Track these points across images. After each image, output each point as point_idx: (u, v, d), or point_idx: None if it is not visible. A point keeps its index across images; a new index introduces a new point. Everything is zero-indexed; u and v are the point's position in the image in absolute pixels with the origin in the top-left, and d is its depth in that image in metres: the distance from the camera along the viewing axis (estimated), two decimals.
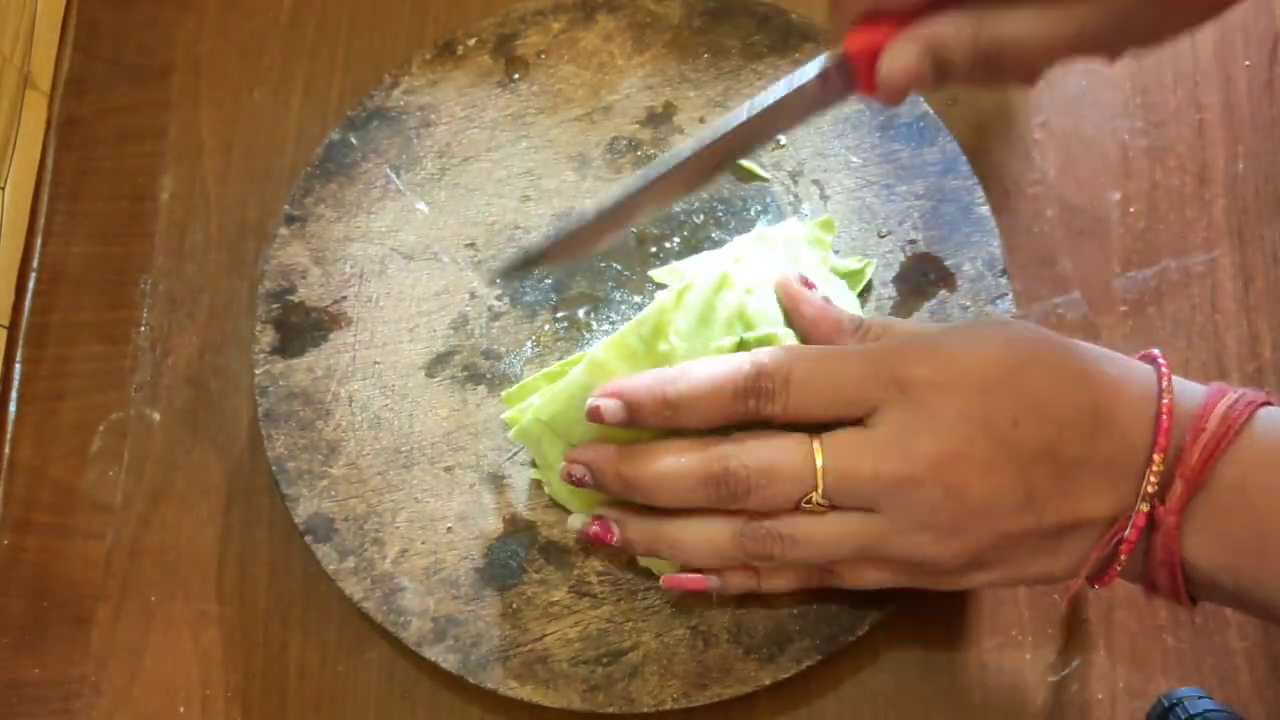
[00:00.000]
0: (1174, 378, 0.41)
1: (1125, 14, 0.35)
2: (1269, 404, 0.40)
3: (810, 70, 0.40)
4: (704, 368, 0.43)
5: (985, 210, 0.53)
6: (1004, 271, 0.52)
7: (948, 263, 0.53)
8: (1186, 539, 0.39)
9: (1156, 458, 0.39)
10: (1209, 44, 0.58)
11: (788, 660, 0.47)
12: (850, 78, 0.39)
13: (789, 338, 0.46)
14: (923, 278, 0.52)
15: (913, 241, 0.53)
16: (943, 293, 0.52)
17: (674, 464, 0.43)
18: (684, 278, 0.49)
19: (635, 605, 0.48)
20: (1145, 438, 0.40)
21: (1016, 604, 0.50)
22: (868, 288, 0.52)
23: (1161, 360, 0.41)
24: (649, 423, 0.43)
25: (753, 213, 0.54)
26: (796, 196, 0.54)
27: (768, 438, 0.42)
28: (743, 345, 0.45)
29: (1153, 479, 0.39)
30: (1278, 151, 0.56)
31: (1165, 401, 0.40)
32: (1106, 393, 0.40)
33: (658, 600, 0.48)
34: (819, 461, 0.41)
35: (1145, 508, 0.39)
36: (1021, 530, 0.40)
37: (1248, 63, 0.58)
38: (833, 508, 0.42)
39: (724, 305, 0.46)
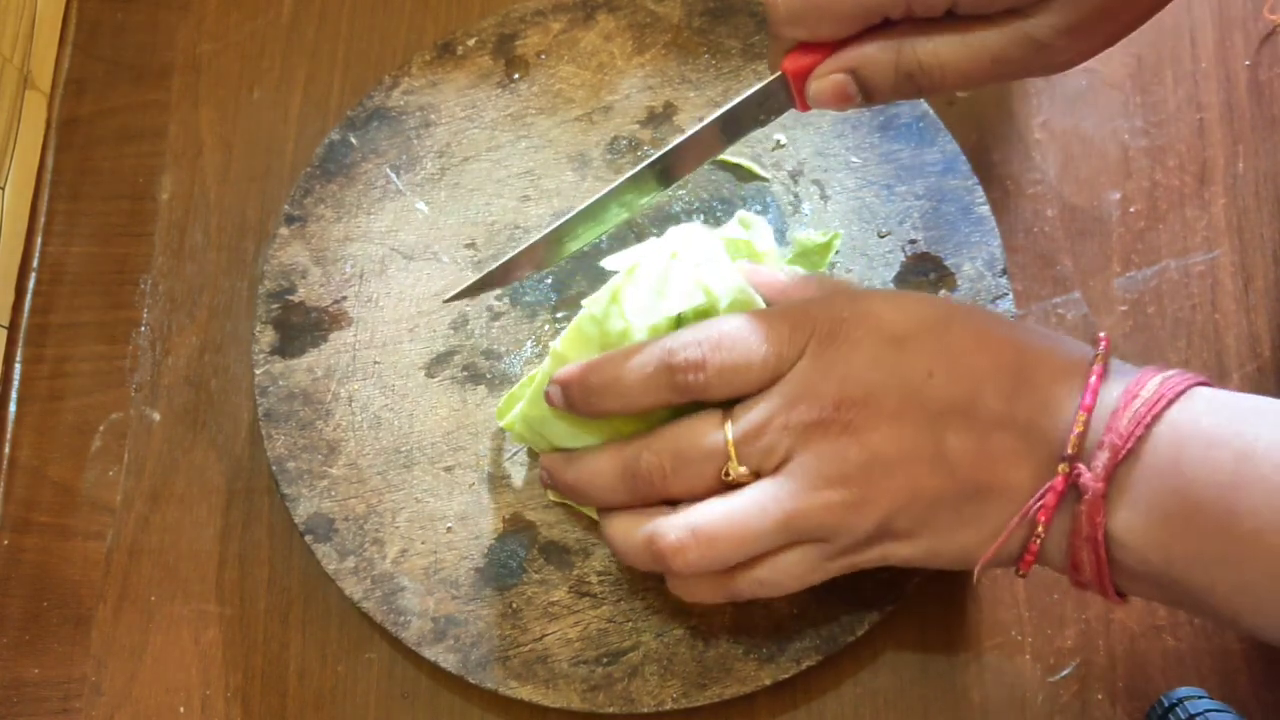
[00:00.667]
0: (1115, 359, 0.40)
1: (1036, 44, 0.38)
2: (1206, 384, 0.39)
3: (753, 88, 0.43)
4: (627, 351, 0.43)
5: (985, 210, 0.53)
6: (1004, 271, 0.52)
7: (948, 262, 0.53)
8: (1114, 513, 0.38)
9: (1080, 417, 0.38)
10: (1209, 43, 0.58)
11: (788, 660, 0.47)
12: (789, 95, 0.43)
13: (743, 304, 0.45)
14: (923, 278, 0.52)
15: (913, 241, 0.53)
16: (943, 292, 0.52)
17: (593, 464, 0.44)
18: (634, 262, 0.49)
19: (635, 605, 0.48)
20: (1070, 401, 0.39)
21: (1016, 604, 0.50)
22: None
23: (1103, 338, 0.41)
24: (585, 408, 0.43)
25: (752, 213, 0.54)
26: (796, 196, 0.54)
27: (681, 422, 0.43)
28: (681, 322, 0.44)
29: (1074, 439, 0.38)
30: (1278, 151, 0.56)
31: (1097, 367, 0.39)
32: (1032, 355, 0.40)
33: (658, 600, 0.48)
34: (729, 431, 0.41)
35: (1064, 468, 0.38)
36: (935, 489, 0.39)
37: (1248, 62, 0.58)
38: (757, 475, 0.41)
39: (677, 277, 0.45)
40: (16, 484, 0.55)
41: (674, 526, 0.41)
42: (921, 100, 0.55)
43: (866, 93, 0.41)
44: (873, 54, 0.40)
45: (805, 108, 0.43)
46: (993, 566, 0.41)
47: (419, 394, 0.52)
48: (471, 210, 0.55)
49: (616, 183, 0.47)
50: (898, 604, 0.47)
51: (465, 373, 0.53)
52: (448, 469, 0.51)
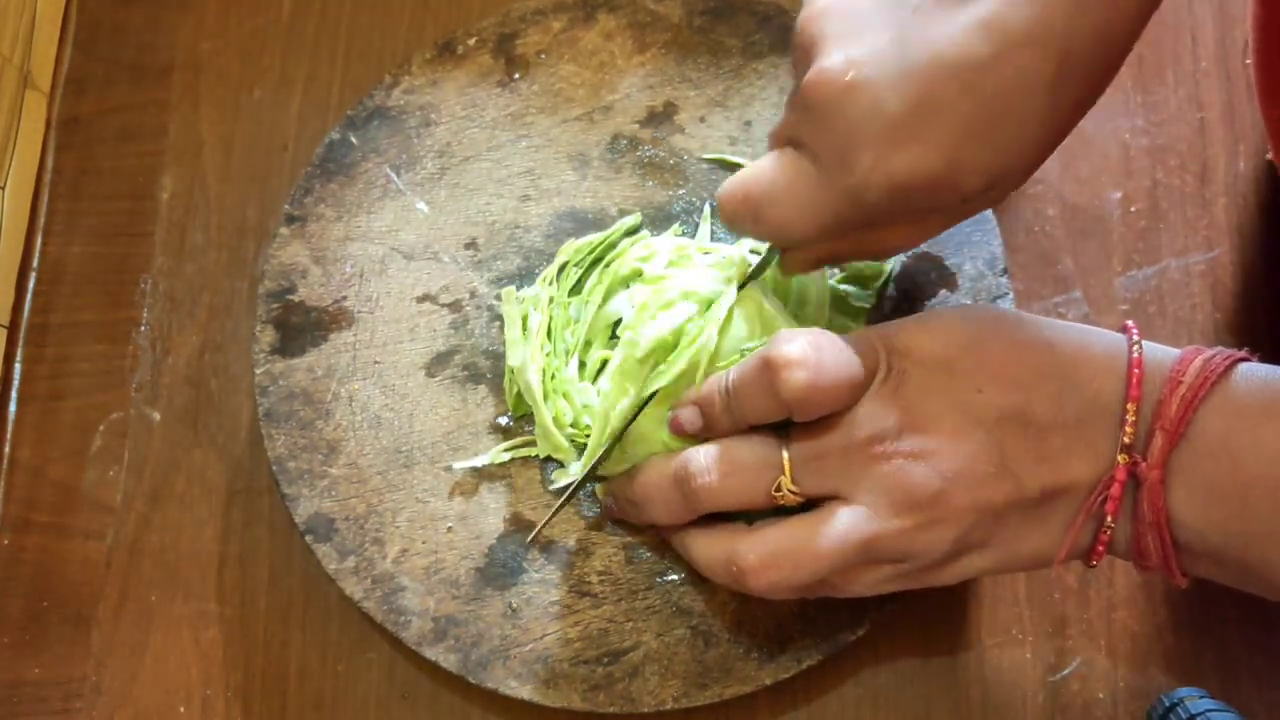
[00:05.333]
0: (1146, 342, 0.41)
1: (961, 215, 0.44)
2: (1246, 359, 0.40)
3: (760, 262, 0.47)
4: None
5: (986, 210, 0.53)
6: (1005, 271, 0.52)
7: (948, 262, 0.53)
8: (1172, 495, 0.39)
9: (1129, 408, 0.39)
10: (1210, 43, 0.58)
11: (788, 660, 0.47)
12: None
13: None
14: (924, 277, 0.52)
15: None
16: (943, 292, 0.52)
17: (649, 473, 0.45)
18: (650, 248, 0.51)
19: (636, 605, 0.48)
20: (1117, 394, 0.40)
21: (1017, 603, 0.50)
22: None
23: (1132, 327, 0.41)
24: (719, 421, 0.44)
25: None
26: None
27: (737, 436, 0.44)
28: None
29: (1128, 429, 0.39)
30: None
31: (1135, 355, 0.40)
32: (1070, 354, 0.41)
33: (658, 600, 0.48)
34: (785, 452, 0.42)
35: (1124, 459, 0.39)
36: (1003, 500, 0.40)
37: (1248, 61, 0.58)
38: (805, 496, 0.42)
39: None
40: (16, 484, 0.55)
41: (754, 549, 0.42)
42: None
43: (835, 264, 0.49)
44: (839, 249, 0.45)
45: (788, 273, 0.47)
46: (1066, 562, 0.42)
47: (419, 394, 0.52)
48: (472, 210, 0.55)
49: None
50: (898, 603, 0.47)
51: (465, 372, 0.53)
52: (448, 469, 0.51)
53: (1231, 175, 0.56)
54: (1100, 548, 0.41)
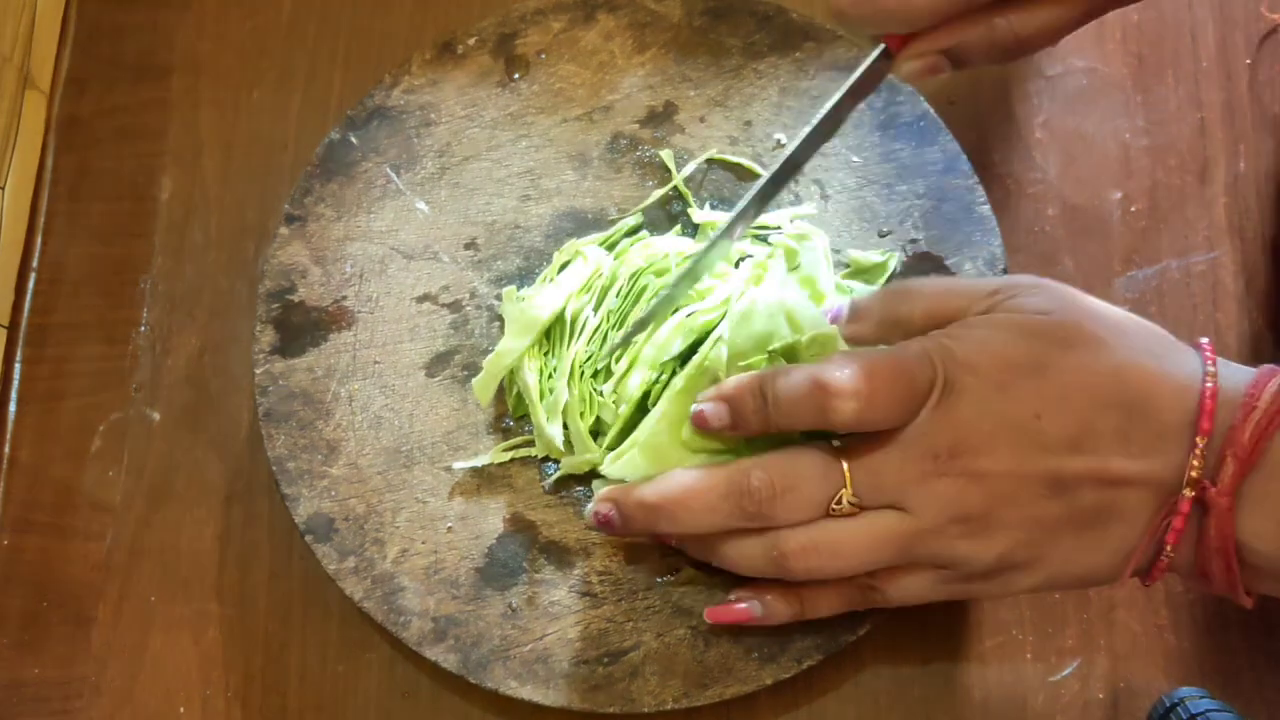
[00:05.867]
0: (1221, 359, 0.40)
1: None
2: None
3: (860, 69, 0.45)
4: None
5: (986, 209, 0.53)
6: (1005, 270, 0.52)
7: (949, 262, 0.53)
8: (1241, 521, 0.39)
9: (1199, 441, 0.38)
10: (1210, 43, 0.58)
11: (789, 660, 0.47)
12: (886, 65, 0.45)
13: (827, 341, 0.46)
14: (924, 277, 0.52)
15: (914, 241, 0.53)
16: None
17: (691, 482, 0.43)
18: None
19: (636, 605, 0.48)
20: (1186, 425, 0.39)
21: (1018, 603, 0.50)
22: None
23: (1207, 346, 0.41)
24: (749, 422, 0.44)
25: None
26: (797, 196, 0.54)
27: (795, 449, 0.43)
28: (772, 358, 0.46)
29: (1196, 463, 0.38)
30: (1279, 150, 0.56)
31: (1209, 385, 0.39)
32: (1138, 383, 0.40)
33: (658, 600, 0.48)
34: (845, 464, 0.42)
35: (1190, 493, 0.39)
36: (1054, 521, 0.40)
37: (1249, 61, 0.58)
38: (862, 509, 0.42)
39: (762, 311, 0.47)
40: (16, 484, 0.55)
41: (795, 536, 0.42)
42: (922, 100, 0.55)
43: (957, 64, 0.44)
44: (967, 34, 0.43)
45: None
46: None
47: (419, 394, 0.52)
48: (472, 210, 0.55)
49: (756, 187, 0.47)
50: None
51: (465, 372, 0.53)
52: (448, 469, 0.51)
53: (1231, 175, 0.56)
54: (1157, 572, 0.41)
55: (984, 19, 0.42)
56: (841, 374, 0.41)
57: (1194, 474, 0.39)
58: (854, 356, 0.42)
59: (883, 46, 0.44)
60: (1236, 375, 0.40)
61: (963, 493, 0.40)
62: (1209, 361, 0.40)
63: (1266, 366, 0.40)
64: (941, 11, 0.41)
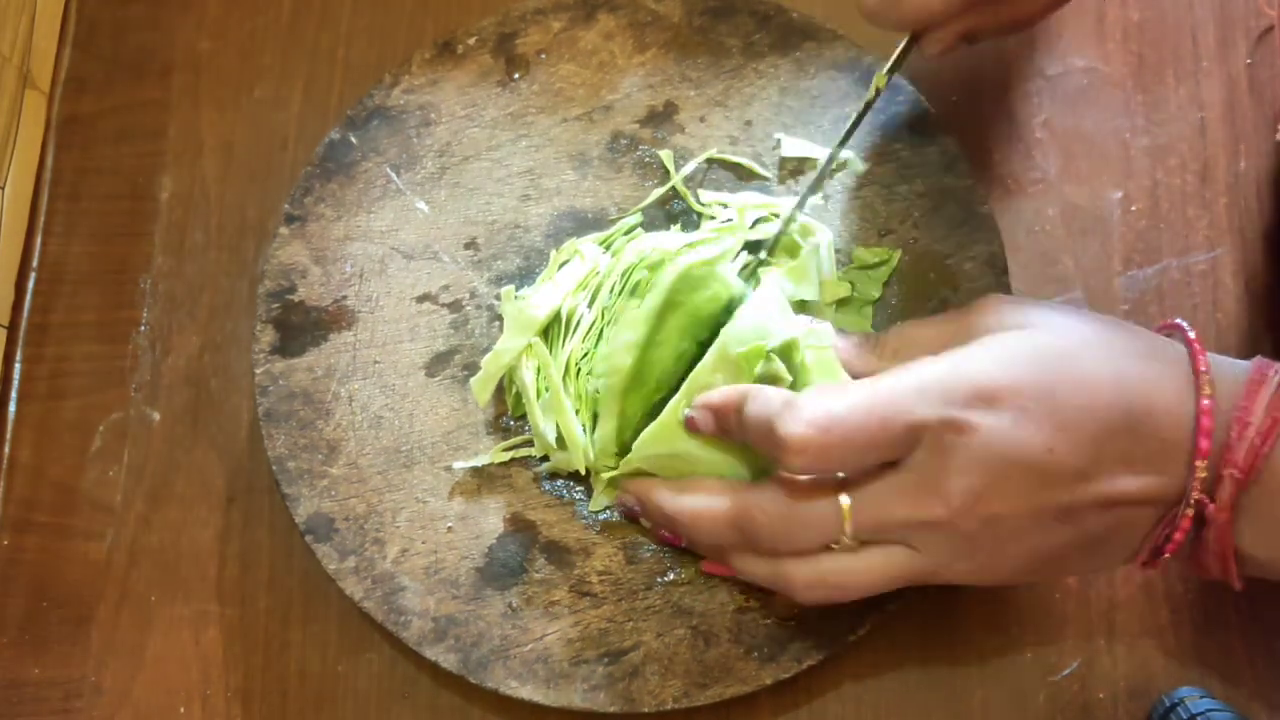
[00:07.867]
0: (1210, 357, 0.40)
1: None
2: None
3: (895, 54, 0.52)
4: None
5: (986, 209, 0.53)
6: (1005, 270, 0.52)
7: (949, 261, 0.52)
8: (1240, 533, 0.40)
9: (1200, 464, 0.39)
10: (1210, 42, 0.58)
11: (789, 660, 0.47)
12: (912, 46, 0.51)
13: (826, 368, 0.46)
14: (924, 277, 0.52)
15: (914, 240, 0.53)
16: (944, 291, 0.52)
17: (705, 505, 0.45)
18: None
19: (636, 605, 0.48)
20: (1184, 443, 0.39)
21: (1017, 603, 0.50)
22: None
23: (1191, 334, 0.41)
24: (732, 433, 0.45)
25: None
26: (797, 195, 0.54)
27: (797, 486, 0.43)
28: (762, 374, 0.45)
29: (1196, 485, 0.39)
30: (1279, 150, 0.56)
31: (1205, 402, 0.39)
32: (1139, 404, 0.40)
33: (658, 600, 0.48)
34: (844, 501, 0.41)
35: (1190, 511, 0.39)
36: (1063, 544, 0.41)
37: (1249, 61, 0.58)
38: (863, 544, 0.42)
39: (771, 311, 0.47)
40: (16, 484, 0.55)
41: (800, 570, 0.43)
42: (922, 99, 0.55)
43: (970, 41, 0.51)
44: (977, 21, 0.49)
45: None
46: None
47: (419, 393, 0.52)
48: (472, 209, 0.55)
49: (828, 156, 0.53)
50: (898, 603, 0.47)
51: (465, 372, 0.53)
52: (448, 468, 0.51)
53: (1231, 175, 0.56)
54: (1152, 568, 0.42)
55: (990, 7, 0.48)
56: (794, 428, 0.40)
57: (1195, 497, 0.39)
58: (826, 397, 0.41)
59: (909, 36, 0.51)
60: (1226, 380, 0.40)
61: (974, 537, 0.40)
62: (1199, 355, 0.40)
63: (1257, 362, 0.40)
64: (954, 9, 0.47)
